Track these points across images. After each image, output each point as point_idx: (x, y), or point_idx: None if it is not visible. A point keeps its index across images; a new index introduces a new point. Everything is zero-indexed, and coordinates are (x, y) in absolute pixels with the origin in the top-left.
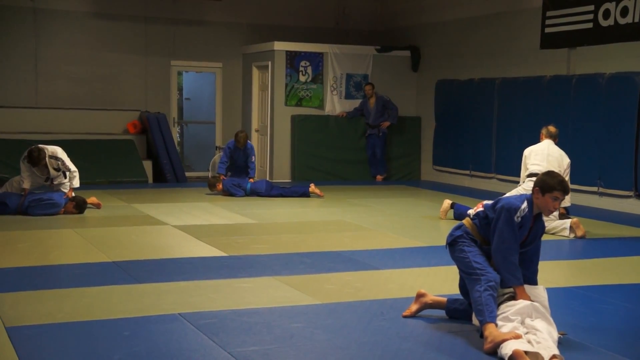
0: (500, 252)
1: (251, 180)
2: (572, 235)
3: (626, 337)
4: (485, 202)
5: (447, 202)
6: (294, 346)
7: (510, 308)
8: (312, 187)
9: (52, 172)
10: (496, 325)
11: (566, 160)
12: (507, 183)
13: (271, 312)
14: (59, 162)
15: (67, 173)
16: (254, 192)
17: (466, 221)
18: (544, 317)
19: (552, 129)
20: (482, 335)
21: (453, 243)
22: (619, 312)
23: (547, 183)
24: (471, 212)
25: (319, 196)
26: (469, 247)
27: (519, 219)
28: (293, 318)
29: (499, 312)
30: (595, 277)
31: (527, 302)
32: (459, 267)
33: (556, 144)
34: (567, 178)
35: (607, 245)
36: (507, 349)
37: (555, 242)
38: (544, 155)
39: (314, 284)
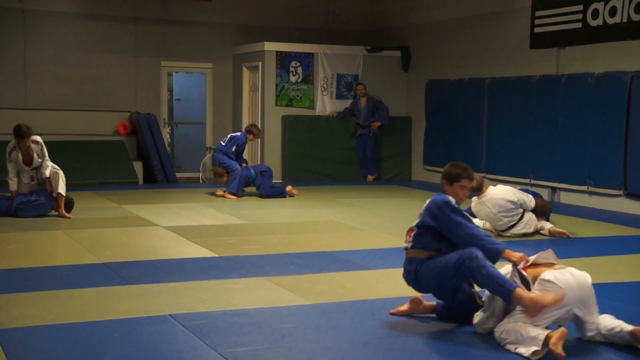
0: (470, 235)
1: (244, 165)
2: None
3: None
4: (412, 226)
5: None
6: (284, 347)
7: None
8: (289, 188)
9: (35, 157)
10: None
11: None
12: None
13: (262, 312)
14: (39, 147)
15: (44, 160)
16: (256, 173)
17: (410, 254)
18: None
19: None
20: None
21: (417, 273)
22: (609, 311)
23: (452, 173)
24: (406, 245)
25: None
26: (434, 259)
27: (457, 205)
28: (284, 318)
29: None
30: None
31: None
32: (437, 280)
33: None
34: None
35: (597, 244)
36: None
37: (543, 242)
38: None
39: (304, 284)
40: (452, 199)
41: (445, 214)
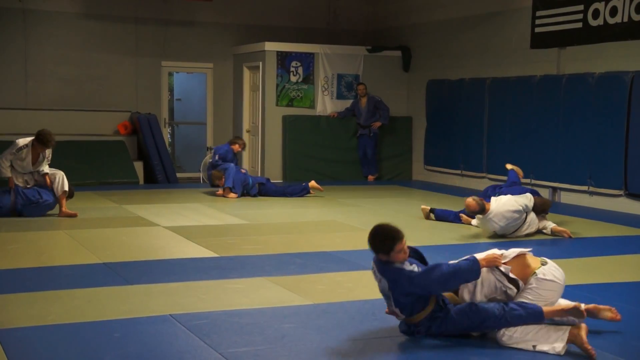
0: (445, 280)
1: (243, 170)
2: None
3: (618, 336)
4: (392, 309)
5: (425, 209)
6: (285, 347)
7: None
8: (313, 183)
9: (45, 160)
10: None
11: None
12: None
13: (262, 312)
14: (50, 152)
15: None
16: (254, 184)
17: (414, 320)
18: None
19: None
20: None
21: (427, 333)
22: None
23: (383, 245)
24: (401, 318)
25: (320, 190)
26: (443, 320)
27: (414, 268)
28: (284, 319)
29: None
30: (586, 276)
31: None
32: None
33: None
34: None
35: (598, 244)
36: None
37: (545, 241)
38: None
39: (305, 284)
40: (403, 266)
41: (415, 285)
